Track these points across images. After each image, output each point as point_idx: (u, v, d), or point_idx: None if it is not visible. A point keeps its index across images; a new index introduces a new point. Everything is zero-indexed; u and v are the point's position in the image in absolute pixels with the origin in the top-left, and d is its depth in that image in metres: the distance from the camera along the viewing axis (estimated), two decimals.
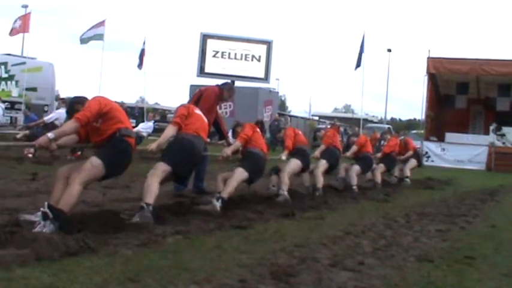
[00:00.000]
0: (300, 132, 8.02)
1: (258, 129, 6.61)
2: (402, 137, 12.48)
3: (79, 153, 10.91)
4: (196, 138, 5.30)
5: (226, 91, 7.15)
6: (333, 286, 3.25)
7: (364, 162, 9.37)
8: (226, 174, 6.32)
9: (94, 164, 4.33)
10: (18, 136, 11.58)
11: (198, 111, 5.61)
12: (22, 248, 3.33)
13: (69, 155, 10.93)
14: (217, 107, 7.36)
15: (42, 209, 4.07)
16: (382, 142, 10.97)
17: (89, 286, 2.90)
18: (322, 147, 8.61)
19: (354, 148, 9.48)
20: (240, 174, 6.08)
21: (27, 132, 11.98)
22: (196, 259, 3.59)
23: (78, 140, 4.66)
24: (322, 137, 8.93)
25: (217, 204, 5.64)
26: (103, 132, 4.48)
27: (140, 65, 26.35)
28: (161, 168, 4.99)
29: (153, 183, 4.85)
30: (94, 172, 4.33)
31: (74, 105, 4.60)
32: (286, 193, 6.90)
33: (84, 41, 23.54)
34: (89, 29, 23.36)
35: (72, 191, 4.13)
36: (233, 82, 7.86)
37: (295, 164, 7.37)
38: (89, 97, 4.72)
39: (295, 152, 7.49)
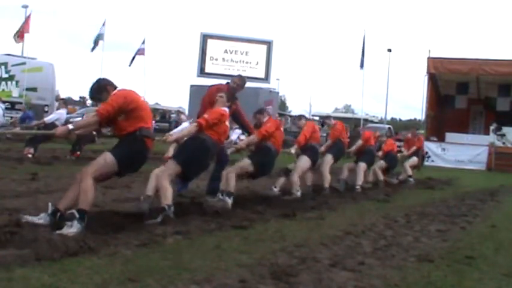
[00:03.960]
0: (318, 129, 8.03)
1: (282, 128, 6.68)
2: (418, 133, 12.55)
3: (78, 153, 10.93)
4: (214, 147, 5.39)
5: (234, 83, 6.92)
6: (333, 286, 3.25)
7: (368, 156, 9.44)
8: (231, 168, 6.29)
9: (108, 160, 4.38)
10: (9, 134, 11.58)
11: (228, 122, 5.64)
12: (22, 248, 3.34)
13: (68, 155, 10.94)
14: (232, 102, 6.92)
15: (69, 211, 4.15)
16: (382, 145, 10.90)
17: (89, 286, 2.90)
18: (329, 142, 8.63)
19: (359, 143, 9.51)
20: (245, 166, 6.08)
21: (17, 129, 11.96)
22: (196, 259, 3.59)
23: (97, 128, 4.75)
24: (330, 126, 8.91)
25: (229, 201, 5.67)
26: (124, 128, 4.50)
27: (130, 63, 26.49)
28: (172, 168, 5.08)
29: (166, 184, 4.95)
30: (106, 168, 4.39)
31: (105, 86, 4.55)
32: (299, 193, 7.04)
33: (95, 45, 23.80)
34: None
35: (85, 187, 4.19)
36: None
37: (306, 162, 7.43)
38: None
39: (307, 149, 7.52)
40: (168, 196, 4.87)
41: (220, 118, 5.39)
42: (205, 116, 5.35)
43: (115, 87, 4.57)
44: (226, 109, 5.64)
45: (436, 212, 6.78)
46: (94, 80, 4.69)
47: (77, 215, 4.06)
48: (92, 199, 4.26)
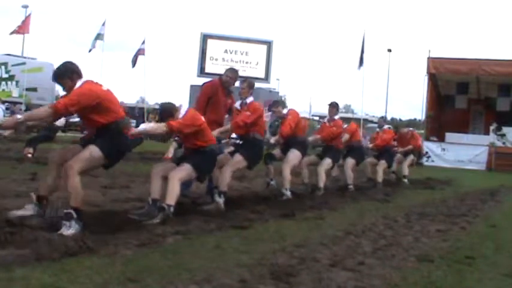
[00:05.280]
0: (302, 119, 7.53)
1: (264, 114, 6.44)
2: (411, 128, 12.44)
3: None
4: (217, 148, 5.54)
5: (226, 77, 6.79)
6: (333, 286, 3.25)
7: (357, 153, 9.13)
8: (221, 160, 6.24)
9: (94, 154, 4.24)
10: (6, 134, 11.52)
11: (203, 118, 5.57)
12: (22, 248, 3.34)
13: None
14: (228, 97, 6.88)
15: (65, 210, 4.11)
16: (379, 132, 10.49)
17: (89, 286, 2.89)
18: (318, 137, 8.28)
19: (346, 136, 8.92)
20: (239, 162, 6.00)
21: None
22: (196, 259, 3.59)
23: (51, 121, 4.45)
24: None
25: (221, 201, 5.64)
26: (95, 120, 4.32)
27: (134, 64, 26.42)
28: (187, 173, 5.08)
29: (177, 186, 4.92)
30: (92, 163, 4.27)
31: (71, 73, 4.27)
32: (289, 193, 6.86)
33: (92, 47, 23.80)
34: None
35: (74, 184, 4.08)
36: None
37: (296, 156, 7.10)
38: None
39: (297, 142, 7.12)
40: (173, 197, 4.86)
41: (195, 124, 5.21)
42: (180, 120, 5.15)
43: (80, 77, 4.31)
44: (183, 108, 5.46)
45: (436, 212, 6.77)
46: (60, 64, 4.43)
47: (75, 215, 4.02)
48: (83, 195, 4.19)
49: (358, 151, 9.25)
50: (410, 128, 12.40)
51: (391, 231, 5.23)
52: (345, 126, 9.18)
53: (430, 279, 3.55)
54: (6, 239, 3.55)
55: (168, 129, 5.10)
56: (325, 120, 8.70)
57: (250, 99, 6.33)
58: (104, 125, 4.33)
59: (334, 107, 8.52)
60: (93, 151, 4.25)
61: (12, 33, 21.96)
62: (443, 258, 4.15)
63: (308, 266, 3.63)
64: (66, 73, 4.29)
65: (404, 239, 4.85)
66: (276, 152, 7.39)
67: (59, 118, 4.41)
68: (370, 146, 10.35)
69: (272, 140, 7.18)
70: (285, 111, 7.21)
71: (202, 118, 5.48)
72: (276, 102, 7.71)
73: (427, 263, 3.96)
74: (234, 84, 6.92)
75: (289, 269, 3.46)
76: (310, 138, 8.07)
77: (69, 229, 3.95)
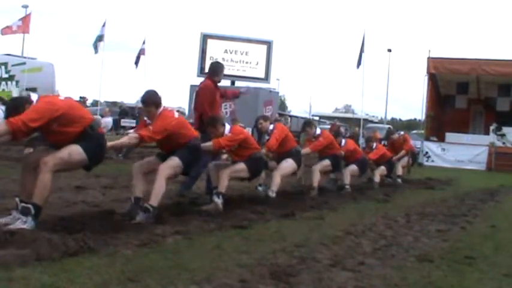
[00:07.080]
0: (289, 131, 7.48)
1: (245, 130, 6.39)
2: (402, 132, 12.43)
3: None
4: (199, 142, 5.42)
5: (214, 74, 6.99)
6: (333, 286, 3.25)
7: (361, 164, 9.10)
8: (223, 165, 6.20)
9: (74, 155, 4.11)
10: None
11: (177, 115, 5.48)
12: (22, 248, 3.33)
13: None
14: (218, 95, 7.10)
15: (23, 204, 4.01)
16: (375, 145, 10.39)
17: (89, 286, 2.90)
18: (309, 150, 8.03)
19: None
20: (241, 171, 6.02)
21: None
22: (196, 259, 3.59)
23: (9, 140, 4.08)
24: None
25: (219, 202, 5.63)
26: (70, 133, 4.17)
27: (136, 64, 26.46)
28: (174, 167, 4.99)
29: (162, 185, 4.85)
30: (71, 164, 4.16)
31: (22, 105, 3.98)
32: (274, 195, 6.64)
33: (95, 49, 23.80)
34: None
35: (45, 181, 3.95)
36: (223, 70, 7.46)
37: (290, 165, 7.02)
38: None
39: (291, 154, 7.09)
40: (158, 197, 4.78)
41: (167, 129, 4.97)
42: (151, 128, 4.92)
43: (31, 104, 4.04)
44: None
45: (436, 212, 6.78)
46: (12, 100, 4.30)
47: (33, 211, 3.93)
48: (49, 195, 4.11)
49: (363, 163, 9.17)
50: (401, 132, 12.42)
51: (391, 231, 5.24)
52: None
53: (430, 279, 3.55)
54: (6, 239, 3.55)
55: (138, 141, 4.90)
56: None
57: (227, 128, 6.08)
58: (79, 133, 4.20)
59: (309, 125, 8.36)
60: (74, 151, 4.13)
61: (3, 32, 21.70)
62: (443, 258, 4.15)
63: (308, 266, 3.63)
64: (20, 106, 4.00)
65: (404, 239, 4.85)
66: (272, 164, 7.17)
67: (20, 137, 4.05)
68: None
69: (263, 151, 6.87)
70: (271, 126, 7.23)
71: (174, 115, 5.22)
72: (265, 117, 7.69)
73: (427, 263, 3.96)
74: (220, 77, 7.21)
75: (289, 269, 3.46)
76: (303, 151, 7.82)
77: (24, 224, 3.85)
